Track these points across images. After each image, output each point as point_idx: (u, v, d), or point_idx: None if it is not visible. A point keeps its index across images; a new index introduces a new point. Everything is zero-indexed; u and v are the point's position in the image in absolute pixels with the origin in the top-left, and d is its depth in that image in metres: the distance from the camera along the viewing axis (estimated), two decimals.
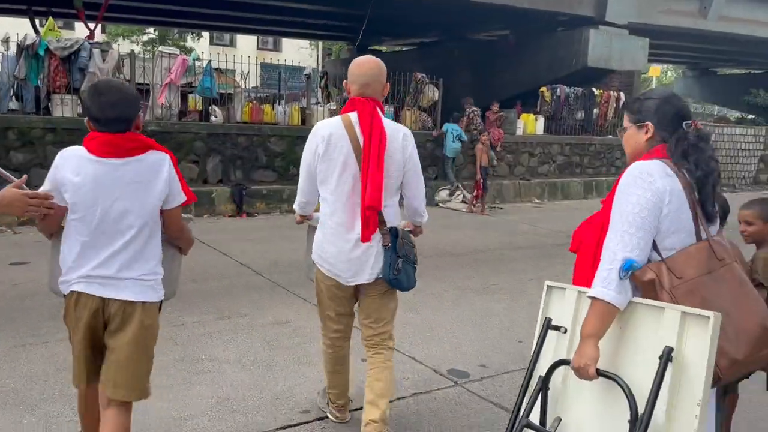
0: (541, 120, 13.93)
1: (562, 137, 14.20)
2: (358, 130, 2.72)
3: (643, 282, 1.90)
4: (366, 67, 2.79)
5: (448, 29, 21.31)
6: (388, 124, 2.78)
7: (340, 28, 22.33)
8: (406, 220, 3.01)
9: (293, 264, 6.35)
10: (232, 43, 34.66)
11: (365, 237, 2.72)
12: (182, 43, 26.46)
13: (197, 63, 10.86)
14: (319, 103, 12.62)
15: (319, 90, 16.12)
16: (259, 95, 16.33)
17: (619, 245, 1.89)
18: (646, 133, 2.02)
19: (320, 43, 32.32)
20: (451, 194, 11.73)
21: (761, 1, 19.56)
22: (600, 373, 1.89)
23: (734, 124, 18.48)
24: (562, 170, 14.19)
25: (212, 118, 10.80)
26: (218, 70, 11.38)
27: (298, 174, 2.97)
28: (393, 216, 2.81)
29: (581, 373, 1.91)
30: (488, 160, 11.26)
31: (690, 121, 1.99)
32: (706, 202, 1.97)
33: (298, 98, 14.81)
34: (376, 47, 25.03)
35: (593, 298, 1.90)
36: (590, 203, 12.68)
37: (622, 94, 15.04)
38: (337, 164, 2.73)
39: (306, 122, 11.68)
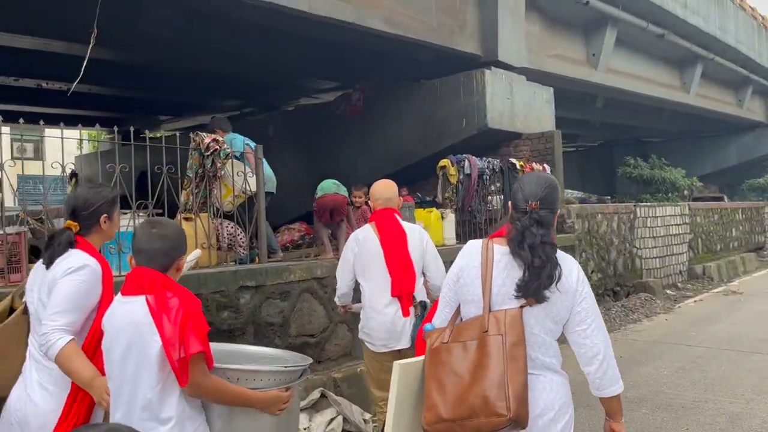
0: (451, 218, 7.46)
1: None
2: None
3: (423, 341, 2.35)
4: (388, 187, 3.87)
5: (252, 96, 14.71)
6: (405, 225, 3.75)
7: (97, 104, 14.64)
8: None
9: None
10: None
11: (406, 312, 3.61)
12: None
13: None
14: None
15: None
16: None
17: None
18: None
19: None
20: None
21: (644, 52, 15.89)
22: None
23: (654, 203, 13.90)
24: None
25: None
26: None
27: None
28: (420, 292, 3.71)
29: None
30: None
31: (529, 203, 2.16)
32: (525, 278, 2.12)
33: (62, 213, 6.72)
34: (150, 134, 17.51)
35: None
36: None
37: (547, 167, 9.33)
38: (370, 259, 3.67)
39: None
